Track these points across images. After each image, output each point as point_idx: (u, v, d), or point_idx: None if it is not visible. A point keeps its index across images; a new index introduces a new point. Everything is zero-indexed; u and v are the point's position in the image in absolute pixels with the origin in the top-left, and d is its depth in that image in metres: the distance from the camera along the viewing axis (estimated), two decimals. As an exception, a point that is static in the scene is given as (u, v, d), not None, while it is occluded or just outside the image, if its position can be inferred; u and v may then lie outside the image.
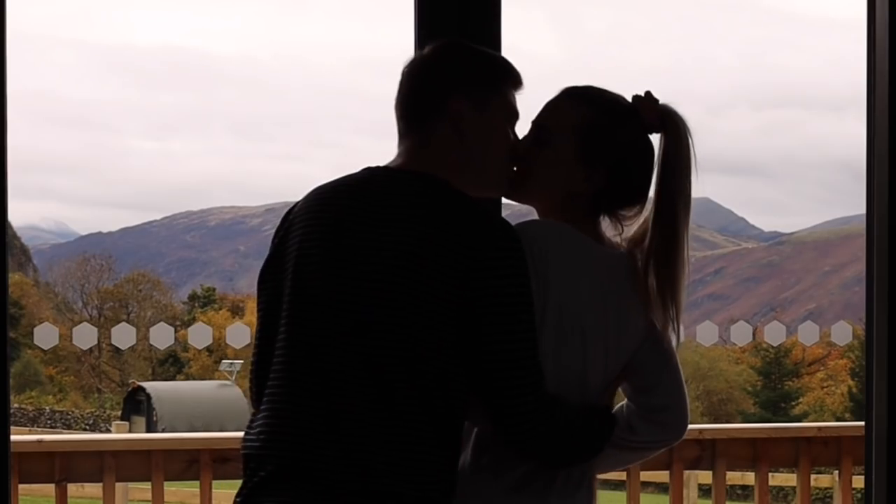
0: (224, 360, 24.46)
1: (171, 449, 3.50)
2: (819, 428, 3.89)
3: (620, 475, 3.49)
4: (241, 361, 22.33)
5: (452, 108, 1.96)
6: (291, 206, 2.05)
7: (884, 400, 2.70)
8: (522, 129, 2.09)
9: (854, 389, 25.00)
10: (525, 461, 1.96)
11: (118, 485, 3.55)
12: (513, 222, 1.95)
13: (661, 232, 2.01)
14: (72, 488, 3.55)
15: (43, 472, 3.41)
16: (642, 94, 2.07)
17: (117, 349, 27.89)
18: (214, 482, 3.44)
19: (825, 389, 28.00)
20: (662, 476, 3.60)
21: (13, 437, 2.51)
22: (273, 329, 1.96)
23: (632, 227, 2.08)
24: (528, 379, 1.87)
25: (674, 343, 2.06)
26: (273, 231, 2.08)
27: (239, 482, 1.99)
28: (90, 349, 26.64)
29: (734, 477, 8.20)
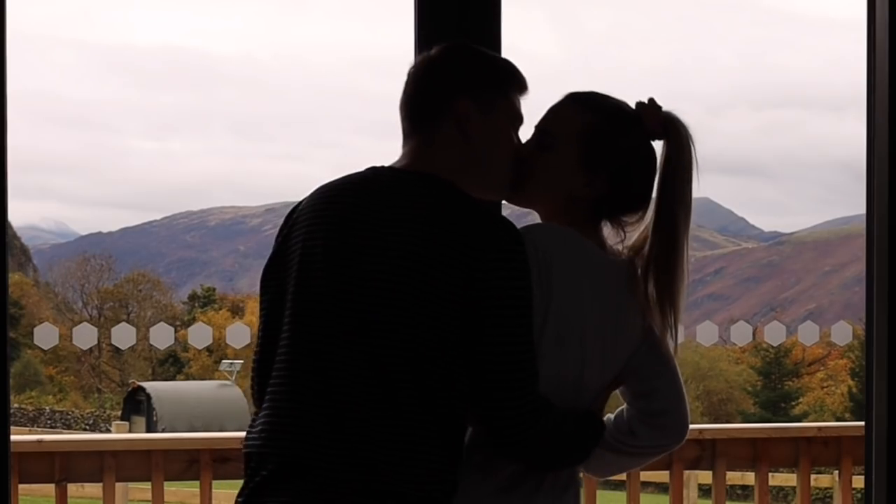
0: (224, 360, 24.47)
1: (171, 449, 3.50)
2: (819, 428, 3.89)
3: (620, 475, 3.49)
4: (241, 361, 22.33)
5: (458, 110, 1.97)
6: (295, 204, 2.05)
7: (884, 400, 2.70)
8: (525, 133, 2.10)
9: (854, 389, 25.00)
10: (514, 462, 1.97)
11: (118, 485, 3.55)
12: (513, 223, 1.95)
13: (661, 239, 2.02)
14: (72, 488, 3.55)
15: (43, 472, 3.41)
16: (646, 101, 2.08)
17: (117, 349, 27.90)
18: (214, 482, 3.43)
19: (825, 389, 28.00)
20: (662, 476, 3.60)
21: (13, 437, 2.51)
22: (276, 327, 1.96)
23: (633, 234, 2.08)
24: (522, 381, 1.87)
25: (671, 349, 2.07)
26: (273, 231, 2.08)
27: (239, 482, 1.99)
28: (90, 349, 26.65)
29: (734, 477, 8.21)
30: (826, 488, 12.07)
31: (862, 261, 2.85)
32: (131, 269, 37.59)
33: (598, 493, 3.70)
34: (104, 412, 25.56)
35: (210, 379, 25.63)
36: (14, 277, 29.31)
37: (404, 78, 2.09)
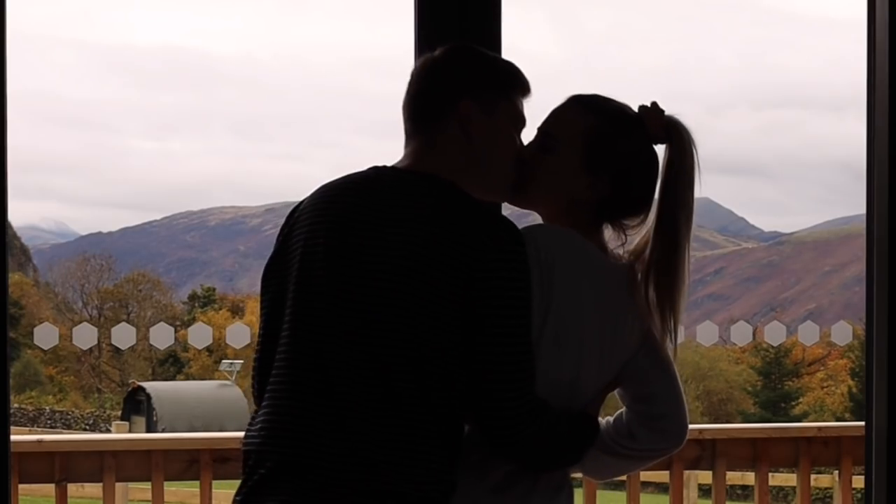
0: (224, 360, 24.47)
1: (171, 449, 3.50)
2: (819, 428, 3.89)
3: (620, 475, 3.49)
4: (242, 361, 22.33)
5: (461, 111, 1.98)
6: (297, 204, 2.06)
7: (884, 400, 2.70)
8: (528, 135, 2.11)
9: (854, 389, 25.01)
10: (509, 462, 1.97)
11: (118, 485, 3.55)
12: (514, 223, 1.96)
13: (662, 242, 2.03)
14: (72, 488, 3.55)
15: (43, 472, 3.41)
16: (648, 105, 2.08)
17: (117, 349, 27.89)
18: (214, 482, 3.44)
19: (825, 389, 28.00)
20: (662, 476, 3.61)
21: (13, 437, 2.51)
22: (277, 326, 1.97)
23: (635, 238, 2.08)
24: (521, 381, 1.88)
25: (671, 353, 2.07)
26: (273, 231, 2.09)
27: (239, 482, 1.99)
28: (90, 349, 26.65)
29: (734, 477, 8.21)
30: (826, 488, 12.07)
31: (862, 261, 2.85)
32: (131, 269, 37.58)
33: (598, 493, 3.70)
34: (104, 412, 25.56)
35: (210, 379, 25.63)
36: (14, 277, 29.30)
37: (404, 78, 2.10)
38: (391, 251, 1.87)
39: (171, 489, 4.62)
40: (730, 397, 27.81)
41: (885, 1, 2.67)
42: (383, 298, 1.86)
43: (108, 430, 20.04)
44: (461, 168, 1.97)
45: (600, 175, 2.04)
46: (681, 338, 2.09)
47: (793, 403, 27.19)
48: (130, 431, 17.59)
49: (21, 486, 3.37)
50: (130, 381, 26.61)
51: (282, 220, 2.07)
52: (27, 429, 20.37)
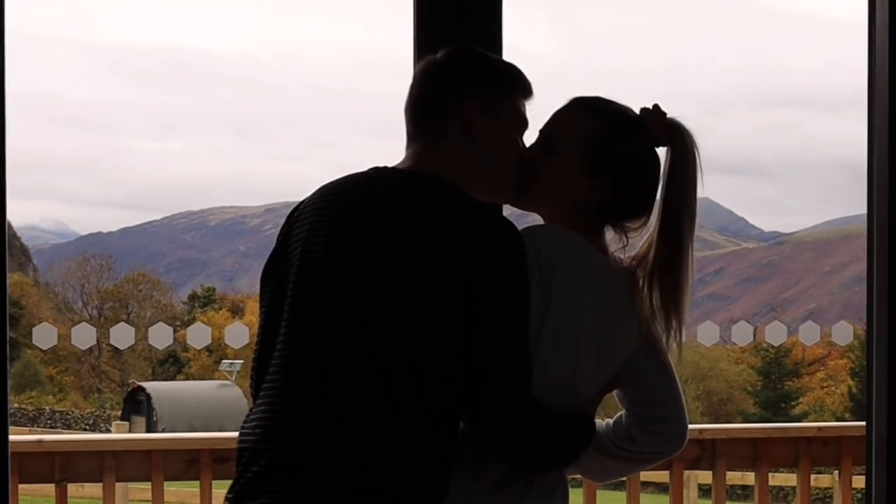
0: (224, 360, 24.46)
1: (171, 449, 3.51)
2: (819, 428, 3.89)
3: (620, 475, 3.49)
4: (241, 361, 22.32)
5: (464, 113, 1.98)
6: (297, 203, 2.06)
7: (884, 400, 2.70)
8: (530, 136, 2.11)
9: (854, 389, 25.01)
10: (504, 462, 1.97)
11: (118, 485, 3.55)
12: (514, 224, 1.96)
13: (666, 244, 2.03)
14: (72, 488, 3.55)
15: (43, 472, 3.41)
16: (650, 107, 2.08)
17: (117, 349, 27.89)
18: (214, 482, 3.44)
19: (825, 389, 27.99)
20: (662, 476, 3.61)
21: (13, 438, 2.51)
22: (275, 324, 1.97)
23: (636, 240, 2.09)
24: (520, 382, 1.88)
25: (676, 355, 2.07)
26: (273, 231, 2.10)
27: (239, 482, 1.99)
28: (90, 349, 26.64)
29: (734, 477, 8.20)
30: (826, 488, 12.07)
31: (862, 261, 2.85)
32: (131, 269, 37.56)
33: (598, 493, 3.70)
34: (104, 412, 25.56)
35: (210, 379, 25.62)
36: (14, 277, 29.29)
37: (404, 78, 2.10)
38: (392, 251, 1.87)
39: (171, 489, 4.62)
40: (730, 397, 27.80)
41: (885, 1, 2.67)
42: (384, 299, 1.86)
43: (108, 430, 20.04)
44: (463, 170, 1.98)
45: (602, 177, 2.04)
46: (682, 349, 2.08)
47: (793, 403, 27.19)
48: (130, 431, 17.60)
49: (21, 486, 3.37)
50: (130, 381, 26.60)
51: (282, 220, 2.07)
52: (27, 429, 20.37)
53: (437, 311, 1.85)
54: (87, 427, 24.04)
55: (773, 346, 26.14)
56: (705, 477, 6.40)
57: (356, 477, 1.84)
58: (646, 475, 4.07)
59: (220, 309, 32.41)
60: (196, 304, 33.54)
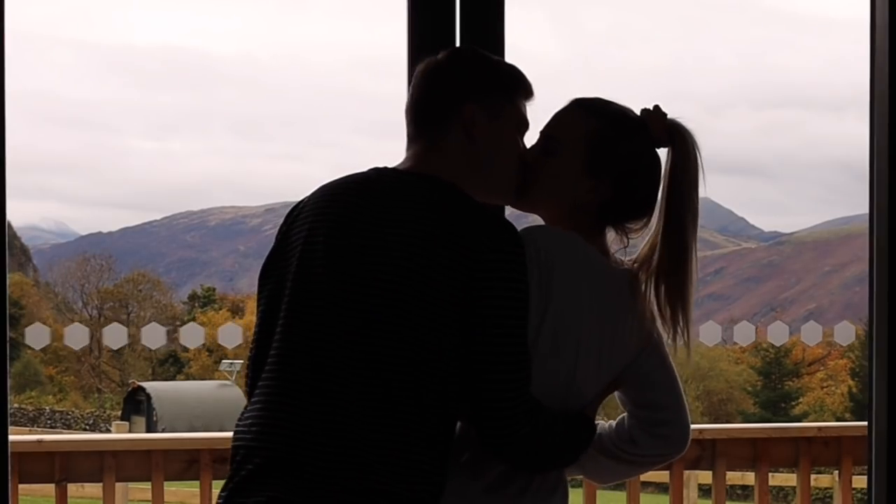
0: (224, 360, 24.45)
1: (171, 449, 3.51)
2: (819, 428, 3.90)
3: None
4: (241, 361, 22.30)
5: (465, 115, 1.98)
6: (296, 203, 2.06)
7: (883, 399, 2.70)
8: (531, 137, 2.11)
9: (854, 389, 25.01)
10: (502, 462, 1.97)
11: (118, 485, 3.55)
12: (514, 225, 1.96)
13: (670, 245, 2.03)
14: (72, 488, 3.55)
15: (43, 472, 3.41)
16: (651, 108, 2.08)
17: (117, 349, 27.87)
18: (214, 482, 3.44)
19: (825, 389, 27.98)
20: (662, 476, 3.60)
21: (13, 437, 2.51)
22: (273, 323, 1.97)
23: (637, 241, 2.09)
24: (519, 382, 1.88)
25: (683, 355, 2.07)
26: (273, 231, 2.09)
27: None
28: (90, 349, 26.62)
29: (734, 477, 8.20)
30: (826, 488, 12.08)
31: (862, 261, 2.85)
32: (131, 269, 37.53)
33: (598, 493, 3.70)
34: (104, 412, 25.55)
35: (210, 379, 25.61)
36: (14, 277, 29.29)
37: (404, 78, 2.11)
38: (392, 252, 1.87)
39: (171, 489, 4.62)
40: (730, 397, 27.79)
41: (886, 1, 2.67)
42: (384, 299, 1.86)
43: (108, 430, 20.04)
44: (464, 171, 1.98)
45: (602, 178, 2.04)
46: (691, 347, 2.08)
47: (793, 403, 27.18)
48: (130, 431, 17.60)
49: (21, 486, 3.37)
50: (130, 381, 26.59)
51: (282, 221, 2.07)
52: (27, 429, 20.37)
53: (438, 313, 1.85)
54: (87, 427, 24.04)
55: (773, 347, 26.15)
56: (705, 477, 6.40)
57: (352, 476, 1.84)
58: (646, 475, 4.06)
59: (220, 309, 32.40)
60: (196, 304, 33.52)
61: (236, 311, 31.84)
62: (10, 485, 2.45)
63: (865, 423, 2.78)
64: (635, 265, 2.07)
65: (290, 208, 2.08)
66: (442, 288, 1.85)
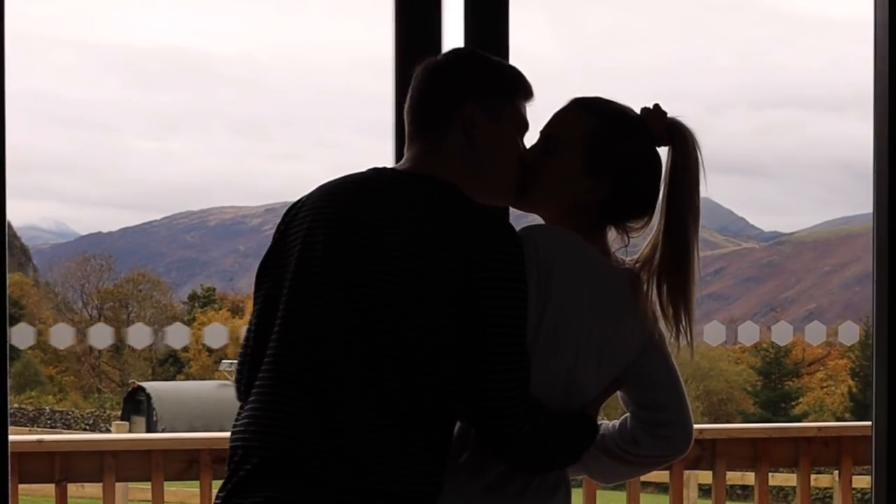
0: (224, 360, 24.43)
1: (171, 449, 3.51)
2: (819, 428, 3.90)
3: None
4: (241, 361, 22.25)
5: (465, 116, 1.98)
6: (294, 202, 2.06)
7: (884, 399, 2.70)
8: (531, 137, 2.11)
9: (854, 389, 25.01)
10: (502, 462, 1.97)
11: (118, 485, 3.55)
12: (512, 225, 1.96)
13: (672, 244, 2.03)
14: (72, 488, 3.55)
15: (43, 472, 3.41)
16: (651, 107, 2.08)
17: (118, 349, 27.88)
18: (214, 482, 3.43)
19: (825, 389, 27.98)
20: (662, 476, 3.60)
21: (13, 437, 2.51)
22: (270, 322, 1.96)
23: (638, 240, 2.09)
24: (518, 381, 1.88)
25: (686, 355, 2.07)
26: (273, 231, 2.09)
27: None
28: (90, 349, 26.61)
29: (734, 477, 8.20)
30: (826, 488, 12.08)
31: (862, 261, 2.87)
32: (131, 269, 37.52)
33: (598, 493, 3.70)
34: (104, 412, 25.55)
35: (210, 379, 25.60)
36: (14, 277, 29.28)
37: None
38: (392, 252, 1.87)
39: (171, 489, 4.62)
40: (730, 397, 27.79)
41: (886, 1, 2.67)
42: (384, 300, 1.86)
43: (108, 430, 20.04)
44: (463, 172, 1.98)
45: (602, 177, 2.04)
46: (693, 347, 2.07)
47: (793, 403, 27.18)
48: (130, 431, 17.60)
49: (21, 486, 3.37)
50: (130, 381, 26.58)
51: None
52: (27, 429, 20.36)
53: (438, 314, 1.85)
54: (87, 427, 24.03)
55: (773, 347, 26.15)
56: (705, 477, 6.40)
57: (349, 476, 1.84)
58: (646, 475, 4.07)
59: (220, 309, 32.40)
60: (196, 304, 33.51)
61: (236, 311, 31.82)
62: (10, 485, 2.45)
63: (865, 423, 2.78)
64: (637, 265, 2.07)
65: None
66: (442, 289, 1.85)
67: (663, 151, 2.09)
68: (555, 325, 1.95)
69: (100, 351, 29.16)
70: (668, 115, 2.08)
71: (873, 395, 2.73)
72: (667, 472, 3.71)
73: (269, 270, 2.01)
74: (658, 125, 2.07)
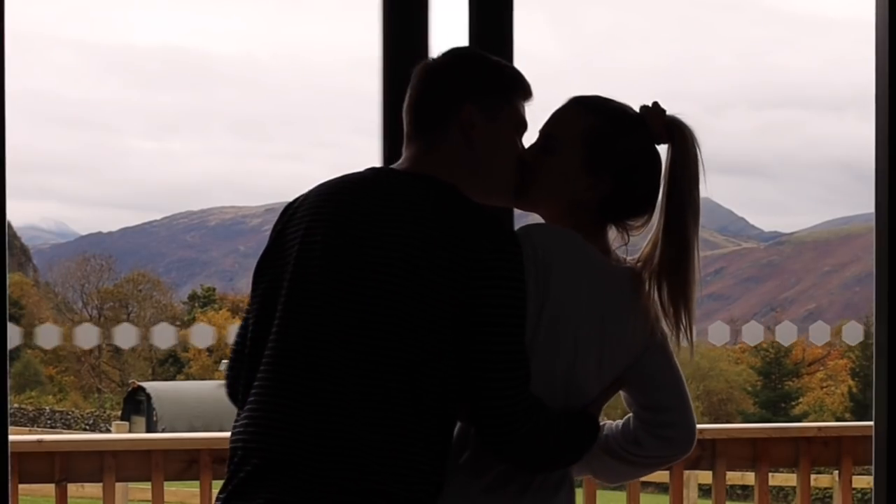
0: (224, 360, 24.42)
1: (171, 449, 3.51)
2: (819, 428, 3.90)
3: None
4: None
5: (463, 116, 1.98)
6: (291, 201, 2.05)
7: (884, 399, 2.70)
8: (530, 136, 2.11)
9: (854, 389, 25.02)
10: (502, 462, 1.96)
11: (118, 485, 3.55)
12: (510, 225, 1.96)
13: (671, 242, 2.02)
14: (72, 488, 3.55)
15: (43, 472, 3.41)
16: (650, 105, 2.08)
17: (117, 349, 27.89)
18: (214, 482, 3.43)
19: (825, 389, 27.99)
20: (662, 476, 3.60)
21: (13, 438, 2.51)
22: (268, 322, 1.95)
23: (639, 238, 2.08)
24: (517, 380, 1.88)
25: (688, 352, 2.06)
26: (272, 229, 2.08)
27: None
28: (90, 349, 26.62)
29: (734, 477, 8.20)
30: (826, 488, 12.08)
31: (862, 261, 2.86)
32: (131, 269, 37.54)
33: (598, 493, 3.70)
34: (104, 412, 25.56)
35: (210, 379, 25.60)
36: (14, 277, 29.28)
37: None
38: (391, 252, 1.87)
39: (171, 489, 4.62)
40: (730, 397, 27.80)
41: (886, 1, 2.67)
42: (382, 300, 1.86)
43: (108, 430, 20.05)
44: (462, 173, 1.98)
45: (601, 175, 2.04)
46: (693, 345, 2.07)
47: (793, 403, 27.19)
48: (130, 431, 17.60)
49: (21, 486, 3.37)
50: (130, 381, 26.58)
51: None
52: (27, 429, 20.37)
53: (438, 314, 1.85)
54: (87, 427, 24.05)
55: (773, 347, 26.17)
56: (705, 477, 6.40)
57: (349, 477, 1.84)
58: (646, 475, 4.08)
59: (220, 309, 32.40)
60: (196, 304, 33.51)
61: (236, 311, 31.80)
62: (10, 485, 2.45)
63: (865, 423, 2.78)
64: (639, 264, 2.07)
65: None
66: (442, 289, 1.85)
67: (663, 150, 2.09)
68: (553, 323, 1.95)
69: (100, 351, 29.17)
70: (667, 113, 2.08)
71: (873, 395, 2.73)
72: (667, 472, 3.71)
73: (267, 270, 2.01)
74: (657, 123, 2.07)
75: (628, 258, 2.09)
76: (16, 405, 24.16)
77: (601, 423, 2.10)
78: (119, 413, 23.71)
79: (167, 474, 3.46)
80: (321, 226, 1.94)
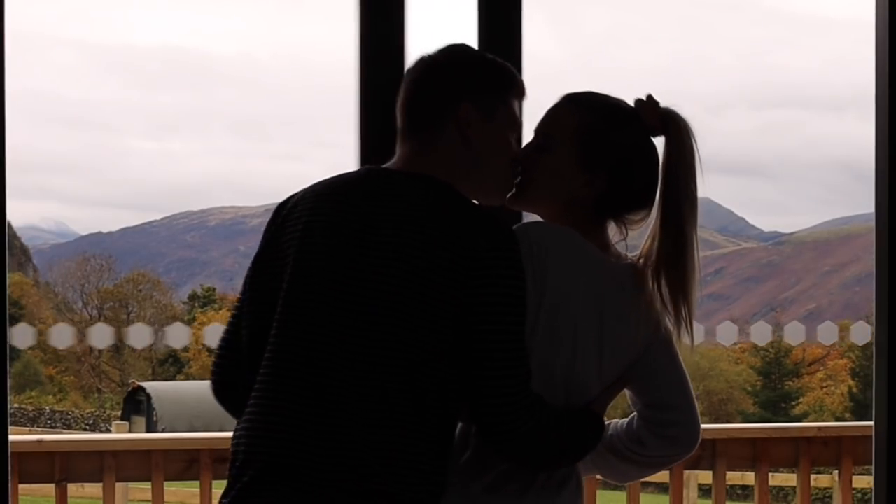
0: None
1: (171, 449, 3.51)
2: (819, 428, 3.89)
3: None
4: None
5: (460, 115, 1.97)
6: (284, 200, 2.03)
7: (884, 399, 2.70)
8: (527, 136, 2.10)
9: (854, 389, 25.03)
10: (504, 461, 1.96)
11: (118, 485, 3.55)
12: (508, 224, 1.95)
13: (669, 235, 2.02)
14: (72, 488, 3.55)
15: (43, 472, 3.41)
16: (643, 98, 2.07)
17: (118, 349, 27.89)
18: (214, 482, 3.43)
19: (825, 389, 28.00)
20: (662, 476, 3.60)
21: (13, 438, 2.51)
22: (268, 323, 1.94)
23: (639, 233, 2.08)
24: (518, 378, 1.87)
25: (689, 345, 2.06)
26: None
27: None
28: (90, 349, 26.62)
29: (734, 477, 8.20)
30: (826, 488, 12.08)
31: (862, 261, 2.86)
32: (131, 269, 37.55)
33: (598, 493, 3.70)
34: (104, 412, 25.56)
35: (210, 379, 25.57)
36: (14, 277, 29.27)
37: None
38: (390, 253, 1.86)
39: (171, 489, 4.62)
40: (730, 397, 27.81)
41: (886, 0, 2.67)
42: (382, 300, 1.85)
43: (108, 430, 20.05)
44: (457, 172, 1.97)
45: (597, 171, 2.04)
46: (694, 339, 2.07)
47: (793, 403, 27.20)
48: (130, 431, 17.60)
49: (21, 486, 3.37)
50: (130, 381, 26.58)
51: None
52: (27, 429, 20.37)
53: (438, 314, 1.84)
54: (87, 427, 24.05)
55: (773, 346, 26.18)
56: (705, 477, 6.40)
57: (351, 478, 1.83)
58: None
59: (221, 309, 32.39)
60: (196, 304, 33.51)
61: (236, 311, 31.76)
62: (10, 485, 2.45)
63: (865, 423, 2.78)
64: (640, 260, 2.06)
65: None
66: (442, 289, 1.84)
67: (660, 144, 2.08)
68: (551, 319, 1.95)
69: (100, 351, 29.17)
70: (661, 105, 2.07)
71: (873, 395, 2.73)
72: (667, 472, 3.71)
73: (264, 270, 1.99)
74: (650, 115, 2.06)
75: (631, 255, 2.09)
76: (16, 405, 24.17)
77: (607, 423, 2.09)
78: (119, 413, 23.71)
79: (167, 474, 3.46)
80: (320, 226, 1.93)
